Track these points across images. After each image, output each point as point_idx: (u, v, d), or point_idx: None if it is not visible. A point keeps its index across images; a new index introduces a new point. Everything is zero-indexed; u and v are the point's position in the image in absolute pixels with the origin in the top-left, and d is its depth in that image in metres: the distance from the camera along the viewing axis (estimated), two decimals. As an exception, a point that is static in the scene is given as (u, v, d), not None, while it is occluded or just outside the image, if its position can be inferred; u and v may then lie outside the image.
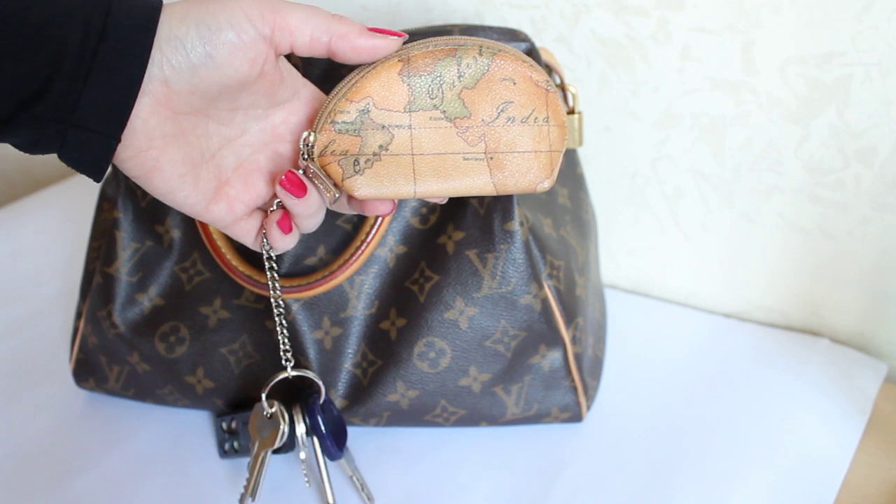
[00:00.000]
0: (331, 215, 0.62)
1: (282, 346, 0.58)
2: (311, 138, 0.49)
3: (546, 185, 0.50)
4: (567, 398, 0.64)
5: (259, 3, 0.46)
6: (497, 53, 0.49)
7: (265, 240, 0.51)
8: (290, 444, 0.60)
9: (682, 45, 0.70)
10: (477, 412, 0.63)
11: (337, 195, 0.49)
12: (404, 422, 0.64)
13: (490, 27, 0.60)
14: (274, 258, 0.53)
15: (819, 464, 0.62)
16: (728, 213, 0.75)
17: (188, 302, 0.64)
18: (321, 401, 0.60)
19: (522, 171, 0.50)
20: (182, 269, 0.65)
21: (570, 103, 0.64)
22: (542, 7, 0.74)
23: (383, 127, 0.49)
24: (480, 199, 0.61)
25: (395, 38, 0.49)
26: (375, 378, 0.62)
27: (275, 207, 0.51)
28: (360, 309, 0.62)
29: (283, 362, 0.58)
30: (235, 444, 0.64)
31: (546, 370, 0.63)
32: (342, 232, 0.62)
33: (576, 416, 0.65)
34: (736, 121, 0.71)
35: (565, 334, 0.63)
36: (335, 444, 0.59)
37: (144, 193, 0.65)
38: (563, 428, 0.66)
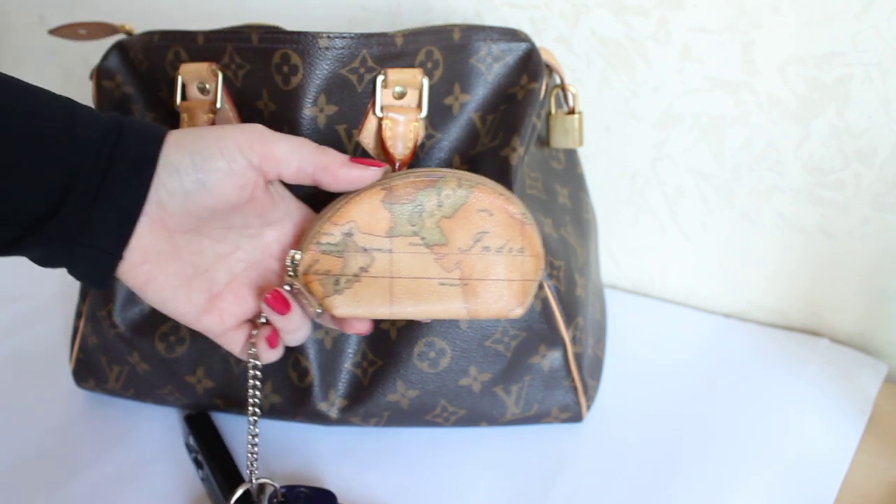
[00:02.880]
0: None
1: (247, 458, 0.56)
2: (297, 257, 0.51)
3: (518, 311, 0.52)
4: (567, 398, 0.64)
5: (250, 135, 0.49)
6: (475, 186, 0.51)
7: (252, 350, 0.53)
8: None
9: (682, 45, 0.70)
10: (477, 412, 0.63)
11: (319, 311, 0.52)
12: (404, 422, 0.64)
13: (490, 27, 0.60)
14: (259, 369, 0.55)
15: (819, 464, 0.62)
16: (728, 213, 0.75)
17: (188, 302, 0.64)
18: (280, 489, 0.57)
19: (495, 297, 0.52)
20: (182, 269, 0.65)
21: (571, 103, 0.64)
22: (542, 7, 0.74)
23: (365, 250, 0.51)
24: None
25: (376, 168, 0.52)
26: (375, 378, 0.62)
27: (263, 321, 0.53)
28: (360, 309, 0.62)
29: (247, 472, 0.56)
30: (200, 472, 0.62)
31: (546, 370, 0.63)
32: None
33: (576, 416, 0.65)
34: (736, 121, 0.71)
35: (565, 334, 0.63)
36: None
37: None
38: (563, 428, 0.66)
